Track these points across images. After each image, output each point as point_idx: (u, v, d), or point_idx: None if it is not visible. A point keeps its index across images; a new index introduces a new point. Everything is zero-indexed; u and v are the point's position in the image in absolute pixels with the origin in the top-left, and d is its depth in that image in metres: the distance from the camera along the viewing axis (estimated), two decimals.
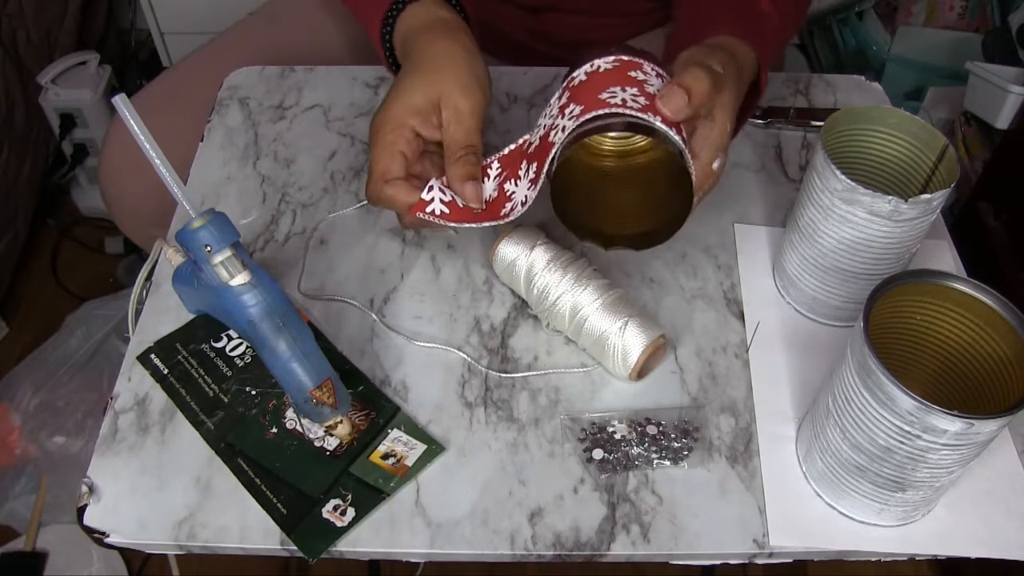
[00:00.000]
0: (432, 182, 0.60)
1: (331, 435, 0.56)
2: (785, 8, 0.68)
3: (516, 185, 0.58)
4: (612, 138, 0.58)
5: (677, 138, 0.52)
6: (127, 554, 1.24)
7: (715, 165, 0.56)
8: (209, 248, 0.52)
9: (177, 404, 0.58)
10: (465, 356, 0.61)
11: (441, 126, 0.60)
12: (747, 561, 0.54)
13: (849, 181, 0.54)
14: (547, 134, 0.56)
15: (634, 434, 0.57)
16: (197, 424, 0.57)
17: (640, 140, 0.57)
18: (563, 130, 0.54)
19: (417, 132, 0.60)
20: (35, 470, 1.26)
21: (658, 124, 0.52)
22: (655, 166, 0.57)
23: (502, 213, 0.59)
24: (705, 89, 0.53)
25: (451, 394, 0.59)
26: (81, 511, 0.53)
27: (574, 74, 0.57)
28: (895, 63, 1.56)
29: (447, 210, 0.60)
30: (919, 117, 0.58)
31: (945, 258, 0.69)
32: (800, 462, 0.56)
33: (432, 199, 0.60)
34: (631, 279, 0.67)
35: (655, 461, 0.56)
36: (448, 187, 0.60)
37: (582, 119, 0.53)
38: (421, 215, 0.60)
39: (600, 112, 0.52)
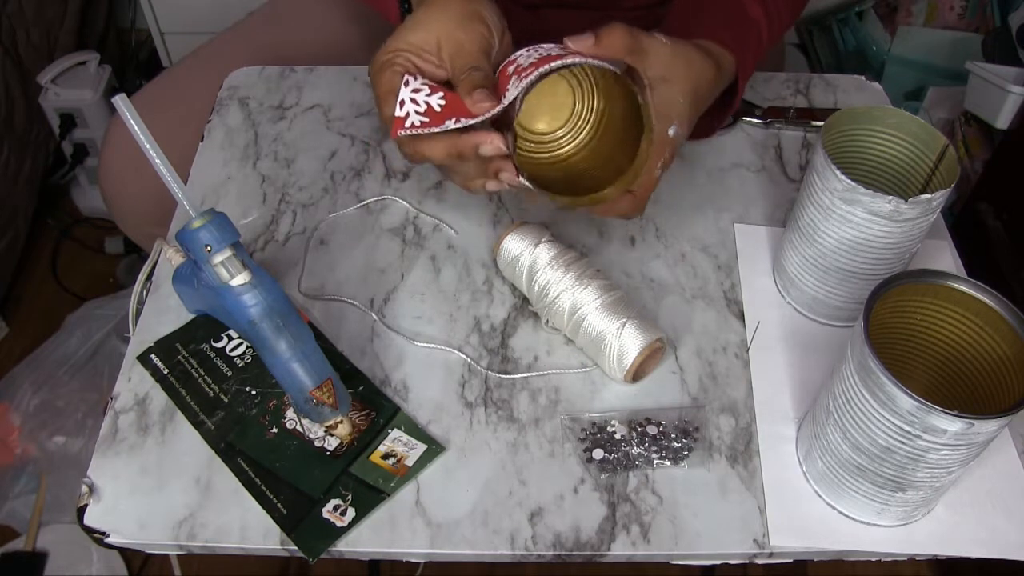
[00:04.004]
0: (402, 94, 0.57)
1: (331, 435, 0.56)
2: (775, 15, 0.69)
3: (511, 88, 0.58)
4: (565, 134, 0.62)
5: (600, 62, 0.54)
6: (127, 554, 1.24)
7: (671, 132, 0.57)
8: (209, 248, 0.52)
9: (177, 404, 0.58)
10: (465, 356, 0.61)
11: (443, 66, 0.59)
12: (747, 561, 0.54)
13: (849, 181, 0.54)
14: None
15: (634, 434, 0.57)
16: (197, 424, 0.57)
17: (583, 122, 0.61)
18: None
19: (414, 63, 0.59)
20: (35, 470, 1.26)
21: (582, 60, 0.53)
22: (612, 125, 0.60)
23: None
24: (617, 41, 0.55)
25: (451, 394, 0.59)
26: (81, 511, 0.53)
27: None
28: (895, 63, 1.56)
29: (426, 119, 0.57)
30: (919, 117, 0.58)
31: (945, 258, 0.69)
32: (800, 462, 0.56)
33: (407, 114, 0.57)
34: (631, 279, 0.67)
35: (655, 461, 0.56)
36: (427, 93, 0.58)
37: (524, 83, 0.54)
38: (402, 133, 0.57)
39: (532, 76, 0.53)
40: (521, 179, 0.55)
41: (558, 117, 0.62)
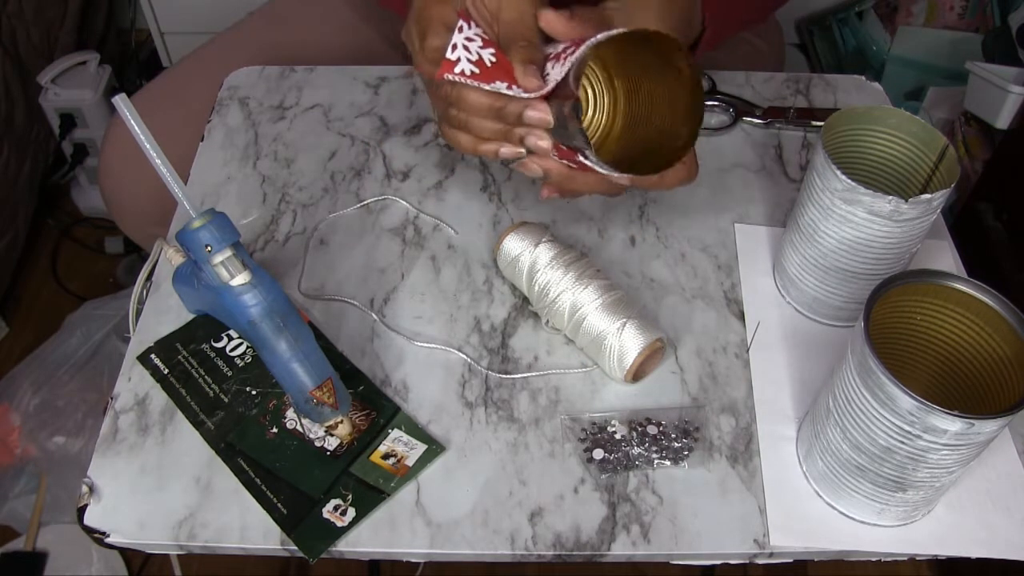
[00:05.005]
0: (455, 38, 0.55)
1: (331, 435, 0.56)
2: None
3: (552, 69, 0.55)
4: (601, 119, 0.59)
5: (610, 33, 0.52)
6: (127, 554, 1.24)
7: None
8: (209, 248, 0.52)
9: (177, 404, 0.58)
10: (465, 356, 0.61)
11: (493, 30, 0.56)
12: (747, 561, 0.54)
13: (849, 181, 0.54)
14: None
15: (634, 434, 0.57)
16: (197, 424, 0.57)
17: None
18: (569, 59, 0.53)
19: (468, 9, 0.56)
20: (35, 470, 1.26)
21: (604, 35, 0.51)
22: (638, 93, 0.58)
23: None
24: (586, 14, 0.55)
25: (451, 394, 0.59)
26: (81, 511, 0.53)
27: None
28: (895, 63, 1.56)
29: (476, 70, 0.55)
30: (919, 117, 0.58)
31: (945, 258, 0.69)
32: (800, 462, 0.56)
33: (459, 59, 0.55)
34: (632, 279, 0.67)
35: (655, 461, 0.56)
36: (480, 44, 0.56)
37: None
38: (449, 77, 0.55)
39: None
40: (586, 158, 0.53)
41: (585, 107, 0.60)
